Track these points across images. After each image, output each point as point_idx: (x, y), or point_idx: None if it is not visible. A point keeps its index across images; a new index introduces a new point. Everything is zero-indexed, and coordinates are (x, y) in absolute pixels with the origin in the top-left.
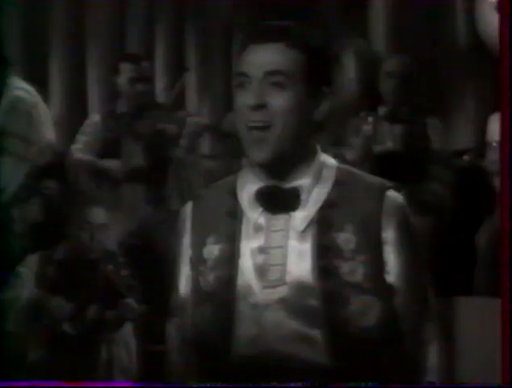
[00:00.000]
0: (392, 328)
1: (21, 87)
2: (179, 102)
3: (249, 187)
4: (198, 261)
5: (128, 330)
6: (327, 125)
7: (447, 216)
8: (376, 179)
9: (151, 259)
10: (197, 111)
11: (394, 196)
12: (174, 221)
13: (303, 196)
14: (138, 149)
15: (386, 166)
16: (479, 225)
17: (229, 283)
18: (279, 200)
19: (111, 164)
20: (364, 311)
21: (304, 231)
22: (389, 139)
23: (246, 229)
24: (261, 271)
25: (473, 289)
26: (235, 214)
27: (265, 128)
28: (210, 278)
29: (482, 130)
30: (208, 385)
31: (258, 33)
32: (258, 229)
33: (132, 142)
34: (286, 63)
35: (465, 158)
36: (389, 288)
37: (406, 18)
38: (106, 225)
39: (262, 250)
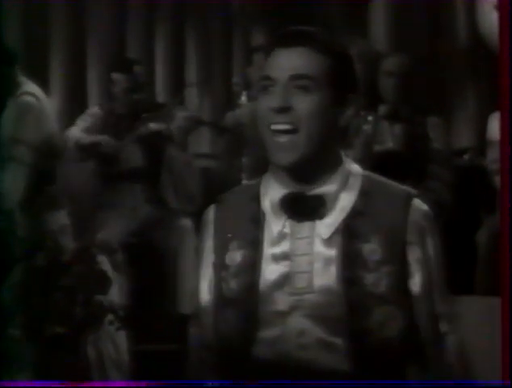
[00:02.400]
0: (413, 339)
1: (28, 92)
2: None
3: (272, 193)
4: (220, 267)
5: (112, 327)
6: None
7: (448, 215)
8: (401, 188)
9: (149, 256)
10: (198, 111)
11: (419, 205)
12: (171, 220)
13: (328, 203)
14: (136, 149)
15: (386, 165)
16: (479, 224)
17: (252, 289)
18: (303, 208)
19: (100, 138)
20: (386, 322)
21: (329, 238)
22: (389, 138)
23: (269, 235)
24: (285, 278)
25: (474, 289)
26: (258, 220)
27: (291, 131)
28: (232, 284)
29: (482, 129)
30: (208, 384)
31: (282, 37)
32: (281, 236)
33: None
34: (312, 67)
35: (465, 157)
36: (412, 298)
37: (406, 17)
38: (67, 227)
39: (286, 257)
